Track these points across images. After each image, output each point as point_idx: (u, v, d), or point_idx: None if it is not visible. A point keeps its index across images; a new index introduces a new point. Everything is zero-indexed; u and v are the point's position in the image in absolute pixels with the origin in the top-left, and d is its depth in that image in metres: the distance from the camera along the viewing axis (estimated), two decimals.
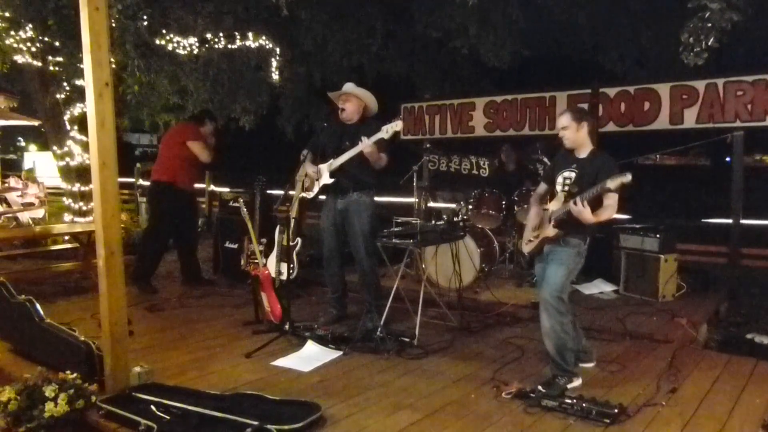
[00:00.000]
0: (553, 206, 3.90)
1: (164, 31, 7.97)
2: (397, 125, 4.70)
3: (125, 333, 3.67)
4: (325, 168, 5.06)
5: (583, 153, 3.90)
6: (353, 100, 5.06)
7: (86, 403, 3.32)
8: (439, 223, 5.33)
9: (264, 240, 5.47)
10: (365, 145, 4.72)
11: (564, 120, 3.89)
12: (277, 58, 9.29)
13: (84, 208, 8.57)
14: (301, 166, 5.18)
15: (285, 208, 5.21)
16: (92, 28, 3.48)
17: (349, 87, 5.10)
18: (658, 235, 5.87)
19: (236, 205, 5.87)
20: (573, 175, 3.85)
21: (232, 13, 8.13)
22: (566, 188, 3.85)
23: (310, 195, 5.20)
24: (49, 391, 3.28)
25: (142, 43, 7.37)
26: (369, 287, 5.08)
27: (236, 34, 8.54)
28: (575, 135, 3.87)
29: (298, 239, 5.31)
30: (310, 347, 4.43)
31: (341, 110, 5.07)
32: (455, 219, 5.50)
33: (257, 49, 8.88)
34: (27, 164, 14.47)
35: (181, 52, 8.28)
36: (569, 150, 3.95)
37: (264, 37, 8.79)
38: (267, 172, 6.73)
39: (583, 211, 3.57)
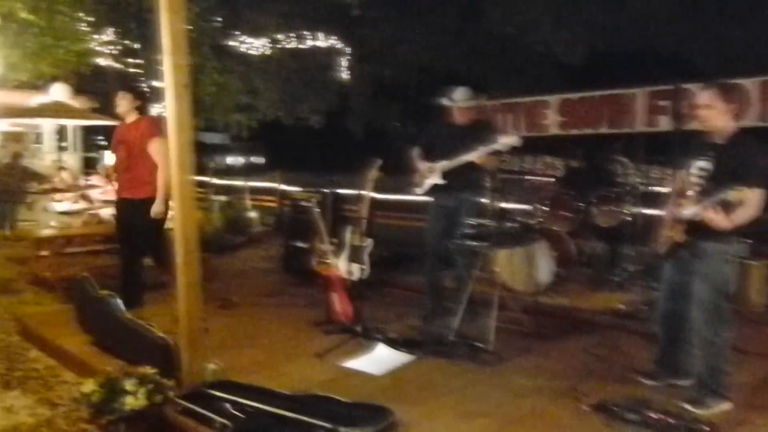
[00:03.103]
0: (687, 204, 3.45)
1: (237, 33, 8.14)
2: (514, 140, 4.74)
3: (201, 330, 3.74)
4: (436, 167, 5.09)
5: (722, 138, 3.38)
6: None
7: (164, 399, 3.39)
8: (513, 225, 5.21)
9: (335, 240, 5.48)
10: (480, 154, 4.80)
11: (707, 98, 3.37)
12: (346, 57, 9.34)
13: None
14: (371, 166, 5.18)
15: (356, 208, 5.21)
16: (171, 31, 3.54)
17: (466, 96, 5.14)
18: (747, 240, 5.53)
19: (307, 204, 5.91)
20: (709, 166, 3.36)
21: (302, 13, 8.23)
22: (702, 183, 3.38)
23: (419, 192, 5.25)
24: (129, 385, 3.36)
25: (216, 44, 7.55)
26: (462, 289, 5.05)
27: (306, 34, 8.64)
28: (719, 117, 3.36)
29: (370, 240, 5.29)
30: (382, 350, 4.41)
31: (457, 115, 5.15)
32: (529, 221, 5.36)
33: (326, 49, 8.96)
34: (107, 162, 15.12)
35: (252, 53, 8.44)
36: (706, 133, 3.45)
37: (333, 37, 8.85)
38: (337, 171, 6.77)
39: (714, 218, 3.17)
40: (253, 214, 10.53)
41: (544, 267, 5.72)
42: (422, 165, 5.22)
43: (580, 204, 6.41)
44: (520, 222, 5.44)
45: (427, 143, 5.30)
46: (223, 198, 10.73)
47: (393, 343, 4.50)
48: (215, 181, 11.32)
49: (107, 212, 10.59)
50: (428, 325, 5.07)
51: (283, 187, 11.49)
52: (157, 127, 5.28)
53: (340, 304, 5.03)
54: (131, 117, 5.31)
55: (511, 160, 7.27)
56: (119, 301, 4.32)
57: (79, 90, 11.81)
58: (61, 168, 11.43)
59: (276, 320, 5.36)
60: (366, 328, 4.75)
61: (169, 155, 4.99)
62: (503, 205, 6.03)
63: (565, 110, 7.35)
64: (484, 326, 4.68)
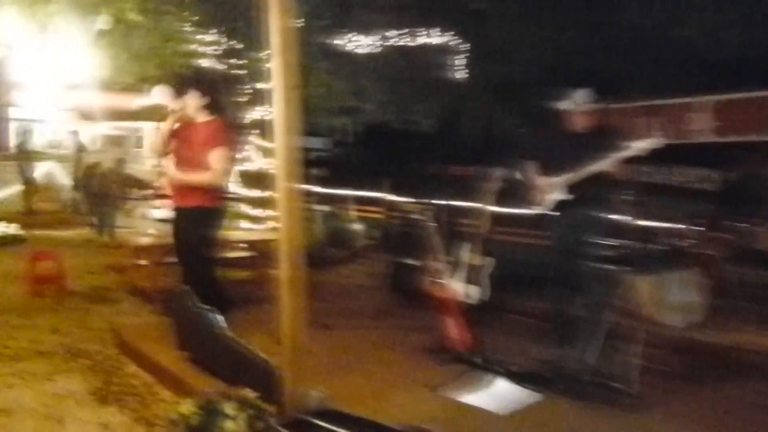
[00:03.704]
0: None
1: (345, 30, 8.28)
2: (650, 143, 4.57)
3: (305, 352, 3.76)
4: (559, 181, 4.92)
5: None
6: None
7: (266, 426, 3.42)
8: (660, 247, 4.94)
9: (450, 258, 5.40)
10: (611, 162, 4.69)
11: None
12: (463, 55, 9.28)
13: (260, 214, 9.13)
14: (492, 176, 5.10)
15: (474, 222, 5.12)
16: (281, 29, 3.59)
17: (588, 99, 5.04)
18: None
19: (419, 217, 5.87)
20: None
21: (416, 7, 8.26)
22: None
23: (539, 210, 5.14)
24: (229, 408, 3.42)
25: (324, 43, 7.70)
26: (592, 319, 4.85)
27: (419, 30, 8.66)
28: None
29: (490, 258, 5.18)
30: (503, 385, 4.29)
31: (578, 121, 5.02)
32: (680, 243, 5.07)
33: (441, 46, 8.94)
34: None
35: (360, 51, 8.55)
36: None
37: (449, 33, 8.82)
38: (448, 180, 6.69)
39: None
40: (357, 226, 10.66)
41: (697, 297, 5.39)
42: (541, 180, 5.07)
43: (742, 224, 6.01)
44: (669, 244, 5.14)
45: (543, 154, 5.15)
46: (325, 208, 10.97)
47: (517, 378, 4.37)
48: (317, 189, 11.58)
49: None
50: (558, 359, 4.88)
51: (391, 197, 11.53)
52: (226, 132, 5.33)
53: (455, 329, 4.94)
54: (201, 117, 5.29)
55: (656, 171, 6.92)
56: (219, 317, 4.43)
57: (179, 92, 12.48)
58: (162, 173, 12.08)
59: (383, 345, 5.34)
60: (485, 359, 4.65)
61: (226, 167, 5.23)
62: (648, 223, 5.75)
63: (723, 114, 6.92)
64: (625, 364, 4.45)
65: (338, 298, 7.00)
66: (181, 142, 5.35)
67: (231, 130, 5.38)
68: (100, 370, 4.92)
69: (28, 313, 6.42)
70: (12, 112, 18.01)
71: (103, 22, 7.05)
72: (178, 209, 5.44)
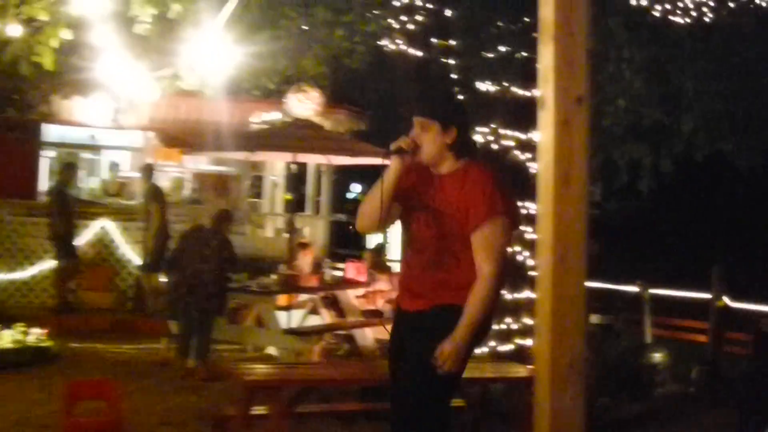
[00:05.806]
0: None
1: None
2: None
3: None
4: None
5: None
6: None
7: None
8: None
9: None
10: None
11: None
12: None
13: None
14: None
15: None
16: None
17: None
18: None
19: None
20: None
21: None
22: None
23: None
24: None
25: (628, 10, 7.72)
26: None
27: None
28: None
29: None
30: None
31: None
32: None
33: None
34: (372, 238, 16.02)
35: (675, 20, 8.48)
36: None
37: None
38: None
39: None
40: (659, 357, 10.53)
41: None
42: None
43: None
44: None
45: None
46: (596, 318, 10.92)
47: None
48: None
49: (368, 336, 11.21)
50: None
51: (726, 300, 11.10)
52: (501, 191, 5.07)
53: None
54: (446, 164, 5.22)
55: None
56: None
57: (334, 99, 12.93)
58: (301, 245, 12.24)
59: None
60: None
61: (507, 251, 5.01)
62: None
63: None
64: None
65: None
66: (421, 208, 5.28)
67: (506, 183, 5.17)
68: None
69: None
70: (48, 133, 18.87)
71: None
72: (403, 314, 5.37)
